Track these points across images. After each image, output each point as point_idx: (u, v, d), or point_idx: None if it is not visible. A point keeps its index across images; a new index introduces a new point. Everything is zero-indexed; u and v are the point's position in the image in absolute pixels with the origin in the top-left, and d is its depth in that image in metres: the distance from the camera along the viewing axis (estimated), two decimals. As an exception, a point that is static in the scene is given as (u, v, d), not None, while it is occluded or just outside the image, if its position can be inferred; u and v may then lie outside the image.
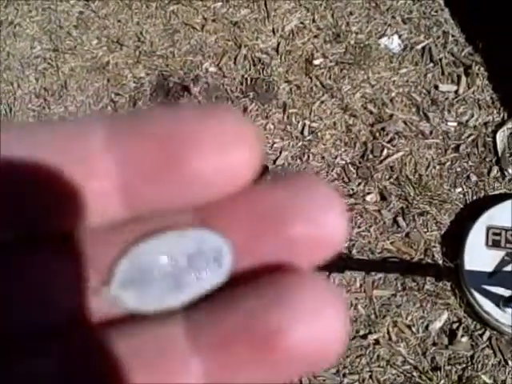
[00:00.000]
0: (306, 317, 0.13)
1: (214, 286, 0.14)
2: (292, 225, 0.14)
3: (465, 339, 1.12)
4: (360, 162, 1.29)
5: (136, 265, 0.14)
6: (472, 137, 1.31)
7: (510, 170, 1.26)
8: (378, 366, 1.12)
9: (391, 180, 1.27)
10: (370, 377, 1.11)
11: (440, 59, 1.40)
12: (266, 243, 0.14)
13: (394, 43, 1.42)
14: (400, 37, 1.43)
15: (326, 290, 0.13)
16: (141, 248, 0.14)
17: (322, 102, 1.36)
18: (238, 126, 0.13)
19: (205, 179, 0.13)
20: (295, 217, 0.14)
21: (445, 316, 1.14)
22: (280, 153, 1.31)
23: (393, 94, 1.36)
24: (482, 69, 1.38)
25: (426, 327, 1.14)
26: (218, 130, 0.13)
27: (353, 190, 1.26)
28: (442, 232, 1.21)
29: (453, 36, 1.42)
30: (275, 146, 1.32)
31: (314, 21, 1.45)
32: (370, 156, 1.29)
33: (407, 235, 1.21)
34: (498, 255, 1.13)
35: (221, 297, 0.14)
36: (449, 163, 1.28)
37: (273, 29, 1.45)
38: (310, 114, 1.35)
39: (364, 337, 1.14)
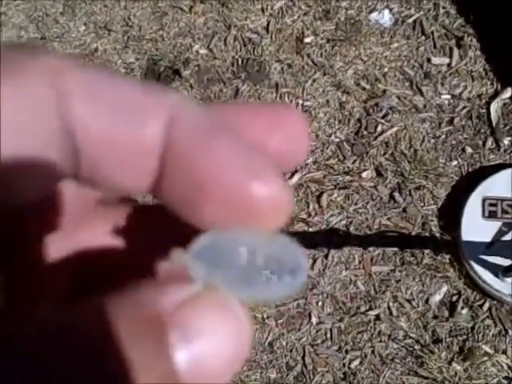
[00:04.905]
0: None
1: (280, 297, 0.14)
2: None
3: (465, 311, 1.13)
4: (355, 139, 1.28)
5: (216, 244, 0.14)
6: (466, 109, 1.30)
7: (504, 141, 1.26)
8: (380, 341, 1.12)
9: (386, 156, 1.26)
10: (372, 352, 1.12)
11: (432, 32, 1.39)
12: None
13: (384, 18, 1.41)
14: (391, 11, 1.41)
15: None
16: (226, 233, 0.14)
17: (315, 80, 1.35)
18: None
19: None
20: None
21: (444, 289, 1.14)
22: (274, 133, 1.30)
23: (385, 69, 1.35)
24: (474, 40, 1.37)
25: (426, 301, 1.14)
26: None
27: (348, 167, 1.26)
28: (439, 205, 1.21)
29: (444, 8, 1.41)
30: (269, 126, 1.31)
31: (303, -2, 1.43)
32: (365, 132, 1.29)
33: (404, 210, 1.21)
34: (494, 226, 1.13)
35: None
36: (443, 136, 1.28)
37: (262, 8, 1.43)
38: (303, 92, 1.34)
39: (365, 313, 1.14)
